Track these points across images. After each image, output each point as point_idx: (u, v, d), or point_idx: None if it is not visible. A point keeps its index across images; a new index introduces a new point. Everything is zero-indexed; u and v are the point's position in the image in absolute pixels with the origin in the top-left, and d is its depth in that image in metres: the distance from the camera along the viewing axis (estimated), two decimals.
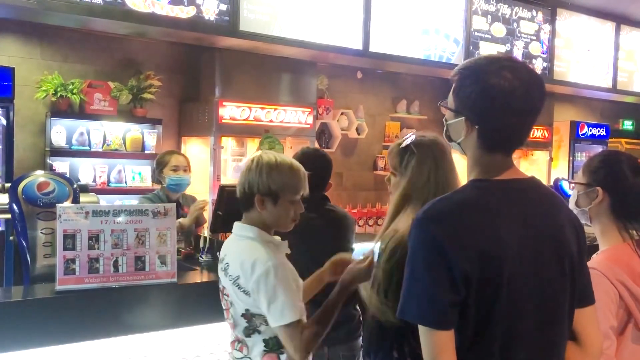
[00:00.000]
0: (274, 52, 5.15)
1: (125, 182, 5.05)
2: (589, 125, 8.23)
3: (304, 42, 4.91)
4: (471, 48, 5.87)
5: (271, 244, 1.94)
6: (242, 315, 1.91)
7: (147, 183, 5.08)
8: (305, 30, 4.94)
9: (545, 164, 7.60)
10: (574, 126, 8.06)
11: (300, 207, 1.95)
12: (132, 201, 4.61)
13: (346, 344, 2.64)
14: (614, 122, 8.85)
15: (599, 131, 8.36)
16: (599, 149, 8.51)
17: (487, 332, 1.29)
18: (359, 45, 5.18)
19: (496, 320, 1.29)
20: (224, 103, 5.10)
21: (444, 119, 1.49)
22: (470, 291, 1.26)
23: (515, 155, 1.47)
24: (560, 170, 8.02)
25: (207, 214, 5.05)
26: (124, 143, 5.03)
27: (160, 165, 3.73)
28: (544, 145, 7.51)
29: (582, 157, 8.32)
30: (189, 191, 3.96)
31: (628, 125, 9.18)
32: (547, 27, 6.49)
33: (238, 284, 1.88)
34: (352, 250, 2.79)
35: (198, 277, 2.90)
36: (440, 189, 1.81)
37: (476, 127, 1.37)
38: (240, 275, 1.87)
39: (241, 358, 1.96)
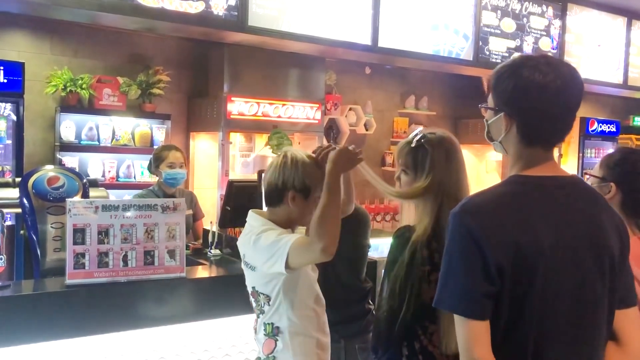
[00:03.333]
0: (282, 48, 5.14)
1: (134, 177, 5.08)
2: (599, 122, 8.16)
3: (312, 38, 4.90)
4: (480, 43, 5.84)
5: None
6: (251, 293, 2.02)
7: (156, 178, 5.07)
8: (313, 25, 4.93)
9: (555, 160, 7.52)
10: (584, 122, 7.99)
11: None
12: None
13: (362, 336, 2.67)
14: (624, 119, 8.77)
15: (609, 127, 8.29)
16: (609, 145, 8.45)
17: (519, 325, 1.32)
18: (367, 41, 5.16)
19: (529, 314, 1.32)
20: (233, 98, 5.11)
21: (484, 120, 1.53)
22: (504, 283, 1.29)
23: None
24: (570, 166, 7.97)
25: (214, 209, 5.09)
26: (133, 138, 5.05)
27: (157, 160, 3.75)
28: None
29: (591, 154, 8.26)
30: (197, 185, 3.97)
31: (639, 121, 9.10)
32: (557, 23, 6.44)
33: (245, 261, 2.00)
34: (368, 246, 2.80)
35: (207, 271, 2.90)
36: (453, 184, 1.82)
37: (515, 121, 1.40)
38: (246, 253, 2.00)
39: (255, 339, 2.08)
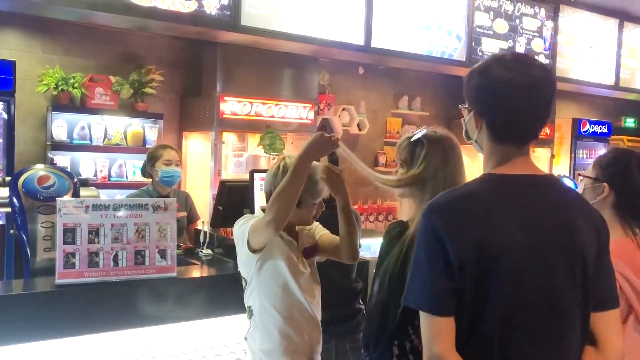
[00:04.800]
0: (275, 47, 5.14)
1: (126, 177, 5.05)
2: (591, 123, 8.20)
3: (305, 37, 4.90)
4: (473, 44, 5.86)
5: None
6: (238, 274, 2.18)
7: (149, 180, 5.06)
8: (306, 25, 4.93)
9: (547, 161, 7.58)
10: (576, 123, 8.03)
11: (321, 205, 2.14)
12: None
13: (353, 335, 2.69)
14: (616, 120, 8.82)
15: (600, 128, 8.33)
16: (600, 146, 8.48)
17: (483, 322, 1.32)
18: (360, 41, 5.17)
19: (492, 311, 1.31)
20: (225, 98, 5.09)
21: (462, 120, 1.54)
22: (466, 280, 1.30)
23: None
24: (562, 167, 8.00)
25: (207, 209, 5.07)
26: (125, 137, 5.02)
27: (152, 159, 3.71)
28: (546, 142, 7.48)
29: (583, 155, 8.30)
30: (189, 185, 3.95)
31: (630, 122, 9.14)
32: (549, 24, 6.46)
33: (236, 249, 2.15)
34: (359, 245, 2.80)
35: (198, 271, 2.88)
36: (448, 184, 1.81)
37: (484, 119, 1.42)
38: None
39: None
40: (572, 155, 8.05)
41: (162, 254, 2.51)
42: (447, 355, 1.30)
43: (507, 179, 1.39)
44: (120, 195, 4.82)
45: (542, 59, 6.47)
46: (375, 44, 5.22)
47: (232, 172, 5.43)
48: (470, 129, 1.48)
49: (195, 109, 5.37)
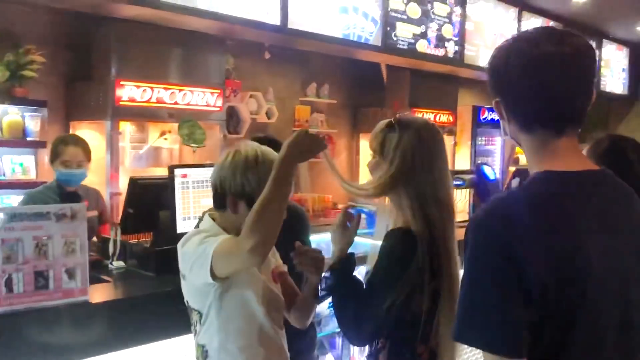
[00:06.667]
0: (179, 25, 4.57)
1: (4, 174, 4.33)
2: (490, 110, 8.38)
3: (216, 14, 4.38)
4: (388, 28, 5.64)
5: None
6: (187, 307, 1.71)
7: (31, 175, 4.40)
8: (217, 0, 4.41)
9: (450, 149, 7.62)
10: (476, 111, 8.17)
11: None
12: (16, 197, 3.94)
13: (308, 354, 2.40)
14: None
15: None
16: (497, 133, 8.74)
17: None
18: (276, 21, 4.74)
19: (572, 349, 1.04)
20: (122, 83, 4.48)
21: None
22: (547, 309, 1.03)
23: None
24: (463, 154, 8.12)
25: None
26: (1, 128, 4.28)
27: (51, 154, 3.26)
28: (449, 130, 7.52)
29: (482, 141, 8.49)
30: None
31: None
32: (458, 10, 6.42)
33: (182, 274, 1.68)
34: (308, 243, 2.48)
35: (112, 291, 2.41)
36: (427, 174, 1.64)
37: (503, 105, 1.21)
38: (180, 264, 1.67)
39: None
40: (472, 142, 8.19)
41: (71, 273, 2.05)
42: None
43: (567, 178, 1.13)
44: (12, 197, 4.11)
45: (452, 45, 6.42)
46: (292, 24, 4.82)
47: (131, 166, 4.84)
48: (502, 123, 1.25)
49: (86, 96, 4.69)
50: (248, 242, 1.44)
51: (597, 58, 1.23)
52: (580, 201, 1.11)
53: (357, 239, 1.76)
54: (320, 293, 1.71)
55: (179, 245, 1.67)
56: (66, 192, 3.22)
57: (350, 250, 1.73)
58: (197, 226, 2.20)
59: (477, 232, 1.10)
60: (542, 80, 1.13)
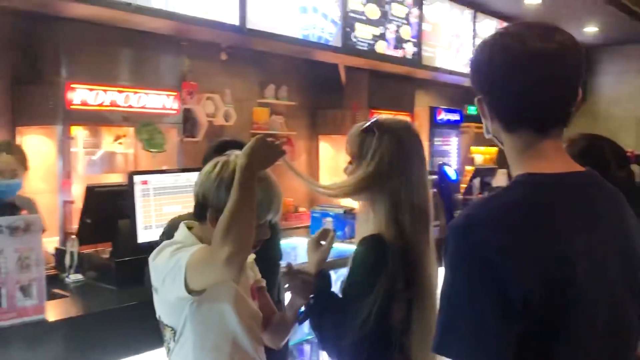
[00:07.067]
0: (133, 25, 4.40)
1: None
2: (446, 111, 8.47)
3: (171, 14, 4.23)
4: (347, 29, 5.59)
5: None
6: (160, 325, 1.61)
7: None
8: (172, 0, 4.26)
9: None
10: (433, 111, 8.25)
11: (264, 232, 1.58)
12: None
13: None
14: (461, 108, 9.21)
15: (453, 116, 8.65)
16: (453, 133, 8.86)
17: None
18: (235, 21, 4.62)
19: (557, 359, 1.00)
20: (73, 85, 4.28)
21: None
22: (530, 323, 0.97)
23: None
24: None
25: (55, 217, 4.25)
26: None
27: None
28: None
29: (439, 142, 8.57)
30: (29, 189, 3.26)
31: (473, 110, 9.64)
32: (415, 11, 6.43)
33: (154, 287, 1.57)
34: (280, 258, 2.39)
35: (71, 307, 2.26)
36: (413, 182, 1.59)
37: (485, 102, 1.15)
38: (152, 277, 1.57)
39: None
40: (430, 142, 8.25)
41: (26, 290, 1.89)
42: None
43: (551, 180, 1.08)
44: None
45: (410, 46, 6.43)
46: (250, 24, 4.71)
47: (85, 172, 4.63)
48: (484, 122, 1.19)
49: (34, 99, 4.46)
50: (222, 251, 1.36)
51: (583, 55, 1.17)
52: (566, 205, 1.06)
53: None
54: (300, 315, 1.64)
55: (150, 258, 1.56)
56: (2, 203, 2.97)
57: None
58: (162, 235, 2.08)
59: (456, 239, 1.04)
60: (527, 79, 1.08)
